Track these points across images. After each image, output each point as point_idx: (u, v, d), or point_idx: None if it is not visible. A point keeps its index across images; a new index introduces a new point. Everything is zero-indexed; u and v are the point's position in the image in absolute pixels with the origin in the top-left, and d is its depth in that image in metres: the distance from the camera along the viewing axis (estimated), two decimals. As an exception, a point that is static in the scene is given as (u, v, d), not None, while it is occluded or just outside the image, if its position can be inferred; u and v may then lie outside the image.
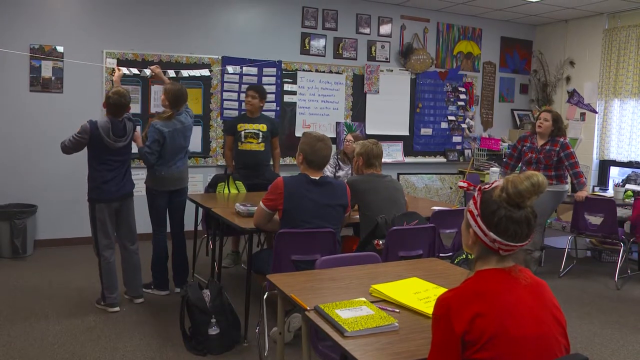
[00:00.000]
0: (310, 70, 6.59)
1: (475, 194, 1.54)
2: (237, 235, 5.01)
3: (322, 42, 6.66)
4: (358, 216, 3.63)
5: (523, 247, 1.51)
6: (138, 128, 4.14)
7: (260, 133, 4.99)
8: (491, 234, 1.48)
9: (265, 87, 6.27)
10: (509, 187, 1.47)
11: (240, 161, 5.05)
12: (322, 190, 3.19)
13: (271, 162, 5.24)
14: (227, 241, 4.94)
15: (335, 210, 3.24)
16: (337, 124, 6.78)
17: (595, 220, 5.00)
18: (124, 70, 4.85)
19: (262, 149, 5.02)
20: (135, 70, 5.04)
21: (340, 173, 5.06)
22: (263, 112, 5.19)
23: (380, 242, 3.23)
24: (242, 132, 4.99)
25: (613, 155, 6.97)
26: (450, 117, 7.51)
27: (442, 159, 7.49)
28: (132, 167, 4.10)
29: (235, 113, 6.17)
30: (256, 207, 3.34)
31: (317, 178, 3.19)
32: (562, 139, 4.96)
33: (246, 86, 6.22)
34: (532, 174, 1.47)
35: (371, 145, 3.71)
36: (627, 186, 5.66)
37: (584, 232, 5.18)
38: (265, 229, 3.39)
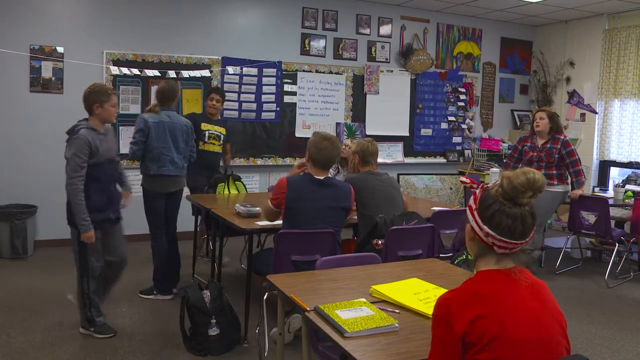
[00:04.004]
0: (310, 71, 6.59)
1: (477, 191, 1.55)
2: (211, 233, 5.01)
3: (322, 42, 6.66)
4: (356, 217, 3.63)
5: (523, 248, 1.51)
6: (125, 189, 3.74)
7: (222, 136, 5.18)
8: (485, 227, 1.48)
9: (264, 87, 6.36)
10: (504, 182, 1.48)
11: (202, 161, 4.95)
12: (326, 192, 3.18)
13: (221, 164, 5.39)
14: (226, 242, 4.94)
15: (336, 212, 3.23)
16: (337, 124, 6.78)
17: (591, 217, 5.02)
18: (125, 70, 4.85)
19: (221, 151, 5.24)
20: (136, 71, 5.04)
21: (339, 177, 5.04)
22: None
23: (380, 242, 3.23)
24: (207, 133, 5.08)
25: (613, 156, 6.97)
26: (450, 118, 7.51)
27: (442, 160, 7.49)
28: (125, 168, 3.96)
29: (235, 114, 6.18)
30: (256, 208, 3.64)
31: (321, 178, 3.18)
32: (562, 137, 4.98)
33: (246, 87, 6.27)
34: (528, 170, 1.48)
35: (366, 143, 3.73)
36: (627, 187, 5.66)
37: (580, 230, 5.20)
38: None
